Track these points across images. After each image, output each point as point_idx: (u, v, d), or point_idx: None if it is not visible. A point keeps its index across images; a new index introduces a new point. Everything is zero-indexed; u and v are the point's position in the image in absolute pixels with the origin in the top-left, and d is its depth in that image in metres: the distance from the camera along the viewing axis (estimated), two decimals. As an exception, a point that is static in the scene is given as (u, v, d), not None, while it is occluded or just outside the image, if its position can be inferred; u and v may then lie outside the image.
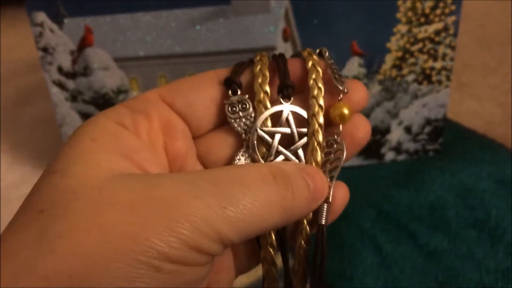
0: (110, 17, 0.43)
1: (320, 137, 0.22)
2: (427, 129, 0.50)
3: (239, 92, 0.23)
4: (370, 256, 0.40)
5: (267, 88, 0.23)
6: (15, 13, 0.96)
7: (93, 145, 0.20)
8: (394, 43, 0.45)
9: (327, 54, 0.25)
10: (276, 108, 0.23)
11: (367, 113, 0.49)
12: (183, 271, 0.18)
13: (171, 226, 0.17)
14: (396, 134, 0.50)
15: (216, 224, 0.18)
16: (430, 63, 0.46)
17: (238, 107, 0.23)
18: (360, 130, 0.23)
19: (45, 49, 0.44)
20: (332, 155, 0.23)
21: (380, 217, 0.44)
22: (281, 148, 0.23)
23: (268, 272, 0.23)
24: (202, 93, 0.23)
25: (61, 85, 0.46)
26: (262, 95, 0.23)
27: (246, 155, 0.23)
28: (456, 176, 0.47)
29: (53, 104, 0.46)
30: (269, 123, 0.23)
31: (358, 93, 0.23)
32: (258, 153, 0.23)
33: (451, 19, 0.44)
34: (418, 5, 0.43)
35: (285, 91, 0.23)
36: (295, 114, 0.23)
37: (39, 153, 0.59)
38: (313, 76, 0.23)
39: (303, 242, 0.22)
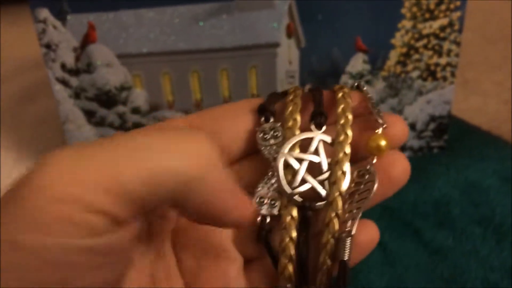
0: (113, 13, 0.43)
1: (345, 166, 0.21)
2: (432, 126, 0.49)
3: (271, 120, 0.23)
4: (375, 253, 0.40)
5: (298, 116, 0.22)
6: (18, 10, 0.95)
7: None
8: (398, 39, 0.45)
9: (365, 88, 0.24)
10: (306, 134, 0.22)
11: (371, 110, 0.48)
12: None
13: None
14: (400, 131, 0.50)
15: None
16: (435, 59, 0.46)
17: (270, 134, 0.23)
18: (396, 167, 0.22)
19: (48, 46, 0.44)
20: (362, 186, 0.22)
21: (385, 214, 0.44)
22: (307, 176, 0.22)
23: None
24: (234, 122, 0.23)
25: (64, 82, 0.45)
26: (291, 122, 0.22)
27: (270, 183, 0.22)
28: (461, 173, 0.47)
29: (56, 101, 0.46)
30: (297, 150, 0.22)
31: (397, 127, 0.22)
32: (283, 178, 0.22)
33: (456, 14, 0.44)
34: (423, 0, 0.43)
35: (318, 118, 0.22)
36: (326, 144, 0.22)
37: (43, 150, 0.59)
38: (342, 106, 0.22)
39: (323, 279, 0.21)
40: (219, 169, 0.19)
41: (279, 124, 0.23)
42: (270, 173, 0.23)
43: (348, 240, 0.21)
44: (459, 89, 0.68)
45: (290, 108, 0.23)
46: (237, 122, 0.23)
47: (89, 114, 0.46)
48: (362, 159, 0.23)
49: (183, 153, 0.18)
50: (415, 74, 0.47)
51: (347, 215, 0.22)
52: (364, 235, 0.22)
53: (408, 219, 0.43)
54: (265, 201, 0.22)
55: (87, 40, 0.44)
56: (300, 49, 0.45)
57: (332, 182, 0.21)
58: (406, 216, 0.43)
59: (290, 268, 0.21)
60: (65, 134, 0.48)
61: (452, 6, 0.44)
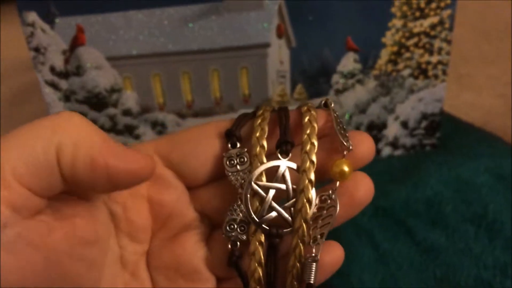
0: (102, 16, 0.43)
1: (310, 194, 0.22)
2: (424, 123, 0.49)
3: (238, 145, 0.23)
4: (367, 253, 0.40)
5: (264, 143, 0.23)
6: (12, 11, 0.95)
7: None
8: (389, 38, 0.45)
9: (332, 105, 0.24)
10: (273, 163, 0.23)
11: (363, 109, 0.48)
12: None
13: None
14: (392, 129, 0.49)
15: None
16: (426, 58, 0.46)
17: (236, 160, 0.23)
18: (360, 189, 0.22)
19: (37, 49, 0.44)
20: (325, 211, 0.22)
21: (377, 213, 0.44)
22: (274, 204, 0.22)
23: None
24: (200, 147, 0.24)
25: (54, 85, 0.45)
26: (258, 149, 0.23)
27: (240, 209, 0.23)
28: (453, 170, 0.46)
29: (47, 104, 0.46)
30: (264, 178, 0.23)
31: (364, 147, 0.23)
32: (250, 208, 0.22)
33: (446, 13, 0.44)
34: (413, -1, 0.43)
35: (283, 146, 0.23)
36: (292, 171, 0.23)
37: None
38: (308, 131, 0.22)
39: None
40: (99, 135, 0.20)
41: (245, 149, 0.23)
42: (238, 201, 0.23)
43: (314, 265, 0.22)
44: (453, 84, 0.68)
45: (257, 134, 0.23)
46: (204, 147, 0.24)
47: (80, 117, 0.46)
48: (329, 181, 0.23)
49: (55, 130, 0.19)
50: (406, 72, 0.47)
51: (311, 240, 0.22)
52: (329, 257, 0.23)
53: (401, 218, 0.43)
54: (234, 227, 0.23)
55: (76, 43, 0.44)
56: (291, 49, 0.45)
57: (298, 209, 0.22)
58: (399, 215, 0.43)
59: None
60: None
61: (442, 4, 0.43)
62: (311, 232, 0.22)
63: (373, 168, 0.49)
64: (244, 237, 0.23)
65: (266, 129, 0.23)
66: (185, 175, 0.24)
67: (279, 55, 0.45)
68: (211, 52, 0.44)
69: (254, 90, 0.46)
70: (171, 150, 0.24)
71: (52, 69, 0.45)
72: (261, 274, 0.22)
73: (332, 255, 0.23)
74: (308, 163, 0.22)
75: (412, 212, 0.43)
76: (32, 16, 0.43)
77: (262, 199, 0.23)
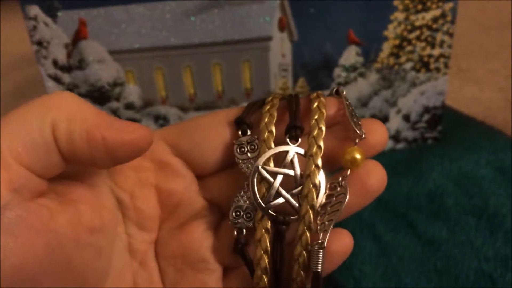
0: (104, 9, 0.43)
1: (316, 179, 0.21)
2: (426, 117, 0.49)
3: (249, 133, 0.23)
4: (369, 245, 0.41)
5: (273, 128, 0.22)
6: (13, 5, 0.95)
7: None
8: (391, 31, 0.45)
9: (344, 93, 0.23)
10: (281, 148, 0.22)
11: (365, 102, 0.48)
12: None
13: None
14: (394, 123, 0.50)
15: None
16: (428, 51, 0.46)
17: (247, 147, 0.23)
18: (372, 177, 0.22)
19: (39, 43, 0.44)
20: (334, 198, 0.22)
21: (379, 206, 0.44)
22: (281, 190, 0.22)
23: None
24: (210, 135, 0.24)
25: (56, 79, 0.45)
26: (266, 134, 0.22)
27: (247, 195, 0.22)
28: (455, 163, 0.47)
29: (50, 98, 0.46)
30: (271, 164, 0.22)
31: (377, 135, 0.22)
32: (256, 193, 0.22)
33: (448, 5, 0.44)
34: (415, -8, 0.43)
35: (292, 132, 0.22)
36: (302, 157, 0.22)
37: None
38: (316, 117, 0.22)
39: None
40: (92, 110, 0.20)
41: (255, 137, 0.23)
42: (245, 187, 0.23)
43: (321, 252, 0.21)
44: (454, 78, 0.68)
45: (266, 120, 0.23)
46: (214, 135, 0.24)
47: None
48: (340, 169, 0.22)
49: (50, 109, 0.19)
50: (408, 65, 0.47)
51: (319, 226, 0.22)
52: (338, 245, 0.22)
53: (402, 211, 0.43)
54: (241, 214, 0.23)
55: (78, 37, 0.44)
56: (293, 42, 0.45)
57: (304, 195, 0.22)
58: (400, 207, 0.44)
59: (265, 279, 0.22)
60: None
61: (444, -3, 0.43)
62: (318, 220, 0.22)
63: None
64: (251, 224, 0.22)
65: (275, 114, 0.23)
66: (194, 164, 0.24)
67: (281, 49, 0.45)
68: (213, 46, 0.44)
69: (256, 84, 0.46)
70: (180, 138, 0.24)
71: (55, 63, 0.45)
72: (267, 262, 0.22)
73: (340, 243, 0.22)
74: (315, 148, 0.21)
75: (413, 205, 0.44)
76: (35, 10, 0.43)
77: (269, 185, 0.22)
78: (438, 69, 0.47)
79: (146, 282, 0.24)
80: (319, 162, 0.21)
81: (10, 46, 0.88)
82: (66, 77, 0.45)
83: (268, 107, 0.23)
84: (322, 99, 0.23)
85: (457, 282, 0.37)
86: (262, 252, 0.22)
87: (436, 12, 0.44)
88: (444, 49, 0.46)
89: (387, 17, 0.44)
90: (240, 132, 0.23)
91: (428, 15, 0.44)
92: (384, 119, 0.49)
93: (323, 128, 0.22)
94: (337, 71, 0.46)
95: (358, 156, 0.21)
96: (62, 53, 0.44)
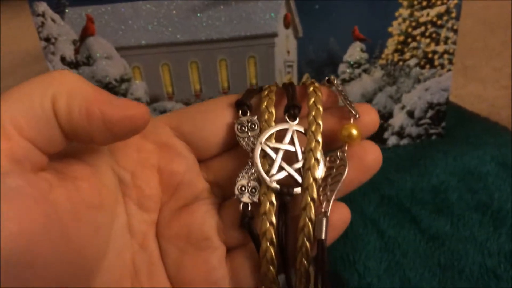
0: (111, 6, 0.43)
1: (318, 154, 0.23)
2: (430, 113, 0.50)
3: (248, 114, 0.24)
4: (373, 240, 0.41)
5: (273, 110, 0.24)
6: (18, 3, 0.96)
7: None
8: (396, 27, 0.45)
9: (335, 81, 0.25)
10: (282, 125, 0.24)
11: (369, 98, 0.49)
12: None
13: None
14: (398, 119, 0.50)
15: None
16: (432, 47, 0.46)
17: (247, 126, 0.24)
18: (369, 153, 0.23)
19: (47, 39, 0.44)
20: (334, 170, 0.23)
21: (383, 201, 0.44)
22: (284, 164, 0.23)
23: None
24: (212, 117, 0.24)
25: (64, 75, 0.46)
26: (267, 114, 0.24)
27: (250, 172, 0.23)
28: (459, 159, 0.47)
29: (57, 94, 0.46)
30: (273, 141, 0.24)
31: (369, 116, 0.24)
32: (260, 166, 0.23)
33: (453, 2, 0.44)
34: (420, -12, 0.43)
35: (291, 110, 0.24)
36: (300, 135, 0.24)
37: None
38: (313, 99, 0.24)
39: (303, 259, 0.22)
40: (92, 86, 0.20)
41: (255, 117, 0.24)
42: (249, 163, 0.24)
43: (324, 220, 0.22)
44: (458, 75, 0.68)
45: (266, 102, 0.24)
46: (215, 117, 0.24)
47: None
48: (337, 148, 0.24)
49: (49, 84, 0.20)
50: (412, 62, 0.47)
51: (321, 197, 0.23)
52: (337, 215, 0.23)
53: (406, 206, 0.43)
54: (246, 190, 0.23)
55: (86, 33, 0.44)
56: (298, 39, 0.45)
57: (307, 168, 0.23)
58: (404, 203, 0.44)
59: (272, 251, 0.23)
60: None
61: (449, -7, 0.44)
62: (321, 191, 0.23)
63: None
64: (255, 199, 0.23)
65: (274, 98, 0.24)
66: (196, 145, 0.25)
67: (286, 45, 0.45)
68: (219, 42, 0.45)
69: (261, 80, 0.47)
70: (182, 121, 0.25)
71: (63, 59, 0.45)
72: (273, 234, 0.23)
73: (339, 214, 0.23)
74: (315, 126, 0.23)
75: (417, 201, 0.44)
76: (43, 7, 0.43)
77: (272, 160, 0.23)
78: (442, 66, 0.47)
79: (145, 262, 0.24)
80: (319, 138, 0.23)
81: (18, 43, 0.89)
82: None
83: (267, 92, 0.25)
84: (316, 84, 0.25)
85: (460, 277, 0.37)
86: (268, 224, 0.23)
87: (441, 9, 0.44)
88: (449, 46, 0.46)
89: (392, 13, 0.44)
90: (240, 113, 0.24)
91: (433, 12, 0.45)
92: (389, 115, 0.50)
93: (321, 108, 0.23)
94: (342, 67, 0.47)
95: (354, 131, 0.23)
96: (70, 49, 0.45)
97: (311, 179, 0.22)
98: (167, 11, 0.43)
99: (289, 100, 0.24)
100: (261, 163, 0.23)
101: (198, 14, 0.44)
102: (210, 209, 0.25)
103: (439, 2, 0.44)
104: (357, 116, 0.24)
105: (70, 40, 0.44)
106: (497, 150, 0.47)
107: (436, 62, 0.47)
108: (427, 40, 0.46)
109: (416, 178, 0.46)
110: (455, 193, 0.44)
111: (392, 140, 0.51)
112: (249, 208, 0.23)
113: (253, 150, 0.23)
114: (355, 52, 0.46)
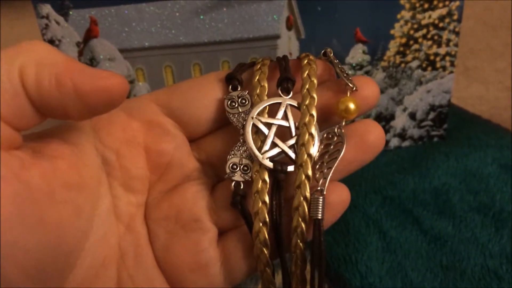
0: (115, 8, 0.43)
1: (312, 128, 0.21)
2: (432, 115, 0.50)
3: (239, 88, 0.23)
4: (375, 241, 0.41)
5: (265, 84, 0.23)
6: (24, 4, 0.96)
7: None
8: (398, 29, 0.45)
9: (332, 54, 0.24)
10: (274, 100, 0.22)
11: (371, 100, 0.49)
12: None
13: None
14: (400, 121, 0.50)
15: None
16: (434, 49, 0.46)
17: (238, 102, 0.23)
18: (372, 133, 0.22)
19: (51, 41, 0.45)
20: (332, 147, 0.22)
21: (385, 202, 0.44)
22: (277, 140, 0.22)
23: (263, 273, 0.22)
24: (201, 92, 0.23)
25: (68, 77, 0.46)
26: (259, 89, 0.22)
27: (242, 150, 0.22)
28: (460, 161, 0.47)
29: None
30: (266, 115, 0.22)
31: (368, 89, 0.22)
32: (252, 142, 0.22)
33: (455, 4, 0.44)
34: (422, -9, 0.43)
35: (284, 84, 0.22)
36: (294, 109, 0.22)
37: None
38: (307, 71, 0.22)
39: (298, 241, 0.21)
40: (63, 56, 0.19)
41: (246, 92, 0.23)
42: (241, 140, 0.23)
43: (321, 199, 0.21)
44: (460, 77, 0.68)
45: (258, 76, 0.23)
46: (205, 92, 0.23)
47: (93, 108, 0.47)
48: (335, 124, 0.23)
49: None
50: (414, 64, 0.47)
51: (317, 175, 0.22)
52: (336, 195, 0.22)
53: (408, 207, 0.44)
54: (237, 168, 0.22)
55: (89, 35, 0.45)
56: (300, 40, 0.45)
57: (301, 144, 0.21)
58: (406, 204, 0.44)
59: (265, 231, 0.21)
60: (69, 128, 0.49)
61: (451, -5, 0.44)
62: (317, 169, 0.22)
63: (381, 159, 0.50)
64: (248, 177, 0.22)
65: (267, 71, 0.23)
66: (186, 123, 0.23)
67: (288, 47, 0.46)
68: (221, 44, 0.45)
69: (264, 82, 0.47)
70: (171, 98, 0.23)
71: (66, 61, 0.46)
72: (266, 214, 0.21)
73: (338, 193, 0.22)
74: (309, 99, 0.22)
75: (419, 202, 0.44)
76: (47, 9, 0.43)
77: (264, 136, 0.22)
78: (444, 68, 0.47)
79: (132, 245, 0.23)
80: (314, 112, 0.21)
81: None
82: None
83: (259, 65, 0.23)
84: (311, 57, 0.23)
85: (462, 278, 0.37)
86: (260, 203, 0.21)
87: (443, 11, 0.45)
88: (451, 48, 0.46)
89: (394, 15, 0.45)
90: (230, 88, 0.23)
91: (435, 14, 0.45)
92: (390, 117, 0.50)
93: (315, 81, 0.22)
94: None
95: (352, 105, 0.22)
96: (74, 51, 0.45)
97: (305, 156, 0.21)
98: (170, 13, 0.44)
99: (282, 72, 0.23)
100: (253, 139, 0.22)
101: (201, 16, 0.44)
102: (201, 190, 0.23)
103: (441, 5, 0.44)
104: (354, 89, 0.22)
105: (74, 42, 0.45)
106: (498, 152, 0.47)
107: (438, 64, 0.47)
108: (429, 42, 0.46)
109: (418, 180, 0.46)
110: (456, 194, 0.44)
111: (394, 142, 0.51)
112: (241, 187, 0.22)
113: (244, 126, 0.22)
114: (357, 54, 0.46)
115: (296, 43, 0.46)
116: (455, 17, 0.45)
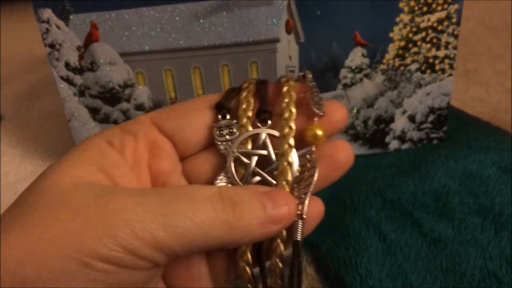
0: (115, 12, 0.44)
1: (290, 157, 0.23)
2: (431, 117, 0.50)
3: (228, 117, 0.25)
4: (375, 244, 0.41)
5: (250, 113, 0.24)
6: (26, 7, 0.96)
7: (78, 156, 0.22)
8: (397, 32, 0.45)
9: (309, 76, 0.25)
10: (254, 131, 0.24)
11: (371, 103, 0.49)
12: (118, 272, 0.18)
13: (109, 228, 0.18)
14: (400, 123, 0.50)
15: (155, 230, 0.18)
16: (433, 52, 0.46)
17: (226, 131, 0.24)
18: (340, 151, 0.24)
19: (52, 45, 0.45)
20: (306, 173, 0.23)
21: (385, 205, 0.44)
22: (258, 169, 0.24)
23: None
24: (192, 117, 0.25)
25: (68, 81, 0.46)
26: (244, 120, 0.24)
27: (226, 178, 0.24)
28: (460, 163, 0.47)
29: (62, 99, 0.47)
30: (249, 145, 0.24)
31: (337, 114, 0.24)
32: (235, 174, 0.23)
33: (453, 7, 0.45)
34: (421, -6, 0.44)
35: (262, 115, 0.24)
36: (274, 138, 0.24)
37: (49, 147, 0.60)
38: (286, 100, 0.24)
39: (277, 260, 0.23)
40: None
41: (234, 121, 0.24)
42: (225, 168, 0.24)
43: (300, 223, 0.22)
44: (461, 79, 0.68)
45: (243, 106, 0.24)
46: (197, 117, 0.25)
47: (93, 111, 0.47)
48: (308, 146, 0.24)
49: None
50: (413, 67, 0.47)
51: (296, 199, 0.23)
52: (312, 212, 0.23)
53: (408, 210, 0.44)
54: None
55: (90, 39, 0.45)
56: (300, 44, 0.46)
57: (280, 172, 0.23)
58: (406, 206, 0.44)
59: (248, 252, 0.23)
60: (71, 131, 0.49)
61: (449, -1, 0.44)
62: (295, 193, 0.23)
63: (381, 162, 0.50)
64: None
65: (252, 101, 0.25)
66: (177, 144, 0.25)
67: (288, 50, 0.46)
68: (221, 48, 0.45)
69: (264, 85, 0.47)
70: (165, 120, 0.25)
71: (67, 65, 0.46)
72: None
73: (314, 208, 0.24)
74: (287, 129, 0.23)
75: (419, 204, 0.44)
76: (47, 13, 0.44)
77: (246, 166, 0.24)
78: (443, 70, 0.47)
79: None
80: (292, 141, 0.23)
81: (24, 47, 0.90)
82: (78, 79, 0.46)
83: (245, 93, 0.25)
84: (291, 83, 0.25)
85: (462, 281, 0.37)
86: None
87: (441, 14, 0.45)
88: (449, 51, 0.47)
89: (393, 19, 0.45)
90: (220, 116, 0.25)
91: (433, 17, 0.45)
92: (390, 120, 0.50)
93: (293, 110, 0.24)
94: (343, 72, 0.47)
95: (319, 132, 0.24)
96: (74, 55, 0.45)
97: (284, 182, 0.23)
98: (170, 17, 0.44)
99: (260, 104, 0.24)
100: (236, 171, 0.24)
101: (201, 20, 0.44)
102: None
103: (439, 8, 0.44)
104: (321, 114, 0.24)
105: (75, 46, 0.45)
106: (498, 154, 0.47)
107: (437, 67, 0.47)
108: (428, 45, 0.46)
109: (417, 182, 0.46)
110: (456, 197, 0.44)
111: (394, 145, 0.51)
112: None
113: (226, 159, 0.24)
114: (356, 57, 0.46)
115: (295, 47, 0.46)
116: (454, 20, 0.45)
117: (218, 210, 0.20)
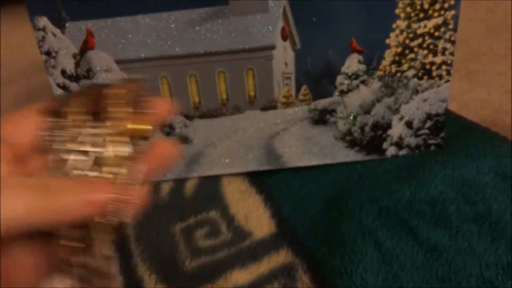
0: (111, 20, 0.44)
1: (112, 152, 0.25)
2: (429, 124, 0.50)
3: (56, 120, 0.26)
4: (371, 252, 0.41)
5: (79, 116, 0.26)
6: (23, 13, 0.97)
7: None
8: (393, 39, 0.45)
9: (138, 77, 0.27)
10: (76, 130, 0.26)
11: (368, 109, 0.49)
12: None
13: None
14: (397, 130, 0.50)
15: None
16: (430, 58, 0.46)
17: (51, 132, 0.26)
18: (163, 147, 0.26)
19: (48, 53, 0.45)
20: (132, 165, 0.25)
21: (381, 213, 0.44)
22: (77, 164, 0.25)
23: (64, 269, 0.26)
24: (23, 122, 0.27)
25: (65, 88, 0.46)
26: (71, 120, 0.26)
27: (50, 174, 0.26)
28: (457, 170, 0.47)
29: (59, 106, 0.47)
30: (70, 144, 0.26)
31: (161, 108, 0.27)
32: (55, 168, 0.25)
33: (450, 13, 0.44)
34: (417, 0, 0.43)
35: (91, 115, 0.26)
36: (93, 136, 0.26)
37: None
38: (114, 101, 0.25)
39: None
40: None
41: (61, 122, 0.26)
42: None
43: (125, 207, 0.24)
44: (462, 81, 0.68)
45: (72, 109, 0.26)
46: (25, 123, 0.27)
47: (90, 118, 0.47)
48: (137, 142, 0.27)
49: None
50: (410, 73, 0.47)
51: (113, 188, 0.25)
52: (135, 196, 0.25)
53: (404, 218, 0.43)
54: None
55: (86, 47, 0.45)
56: (296, 50, 0.45)
57: (101, 164, 0.25)
58: (402, 214, 0.44)
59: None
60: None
61: (446, 5, 0.44)
62: (119, 183, 0.25)
63: (378, 168, 0.50)
64: None
65: (82, 103, 0.26)
66: (11, 148, 0.27)
67: (284, 57, 0.46)
68: (217, 55, 0.45)
69: (260, 92, 0.47)
70: (5, 125, 0.27)
71: (63, 72, 0.46)
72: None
73: (138, 196, 0.25)
74: (113, 126, 0.25)
75: (415, 212, 0.44)
76: (43, 21, 0.44)
77: (65, 161, 0.25)
78: (440, 77, 0.47)
79: None
80: (118, 137, 0.25)
81: (21, 53, 0.90)
82: (74, 86, 0.46)
83: (76, 96, 0.27)
84: (121, 86, 0.27)
85: (458, 289, 0.37)
86: None
87: (438, 20, 0.44)
88: (446, 57, 0.46)
89: (389, 25, 0.45)
90: (49, 119, 0.26)
91: (430, 23, 0.45)
92: (387, 126, 0.50)
93: (122, 109, 0.25)
94: (340, 79, 0.47)
95: (144, 126, 0.25)
96: (70, 63, 0.46)
97: (104, 174, 0.25)
98: (166, 25, 0.44)
99: (87, 106, 0.26)
100: (56, 165, 0.25)
101: (197, 28, 0.44)
102: None
103: (436, 14, 0.44)
104: (143, 111, 0.26)
105: (71, 53, 0.45)
106: (496, 161, 0.47)
107: (434, 73, 0.47)
108: (425, 52, 0.46)
109: (414, 189, 0.46)
110: (453, 204, 0.44)
111: (391, 151, 0.51)
112: None
113: (53, 151, 0.26)
114: (352, 63, 0.46)
115: (291, 53, 0.46)
116: (451, 26, 0.45)
117: (32, 198, 0.22)
